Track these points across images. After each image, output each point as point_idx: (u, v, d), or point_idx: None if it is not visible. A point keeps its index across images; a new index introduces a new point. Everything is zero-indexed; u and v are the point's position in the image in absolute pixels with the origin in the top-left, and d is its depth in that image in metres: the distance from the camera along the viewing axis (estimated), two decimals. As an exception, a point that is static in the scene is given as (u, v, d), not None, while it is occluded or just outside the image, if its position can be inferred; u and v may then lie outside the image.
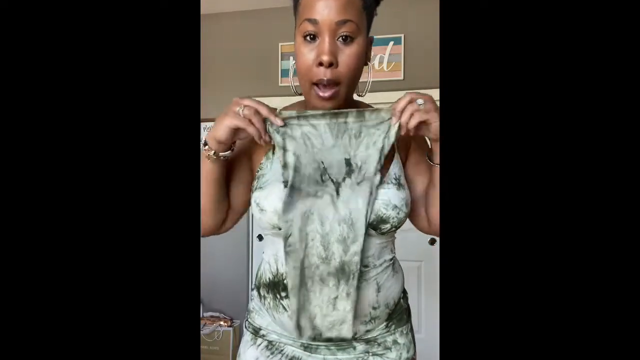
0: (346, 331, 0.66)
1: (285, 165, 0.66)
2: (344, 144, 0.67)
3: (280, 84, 2.56)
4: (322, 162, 0.66)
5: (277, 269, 0.69)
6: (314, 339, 0.68)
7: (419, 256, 2.41)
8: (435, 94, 2.38)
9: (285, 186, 0.65)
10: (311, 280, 0.65)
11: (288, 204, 0.63)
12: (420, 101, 0.63)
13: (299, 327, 0.66)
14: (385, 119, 0.67)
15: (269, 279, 0.71)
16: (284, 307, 0.68)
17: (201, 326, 2.45)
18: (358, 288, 0.65)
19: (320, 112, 0.66)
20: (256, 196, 0.69)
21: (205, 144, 0.67)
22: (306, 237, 0.64)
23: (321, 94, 0.65)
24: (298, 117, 0.66)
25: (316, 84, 0.65)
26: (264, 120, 0.66)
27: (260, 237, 2.65)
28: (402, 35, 2.36)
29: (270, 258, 0.72)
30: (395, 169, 0.71)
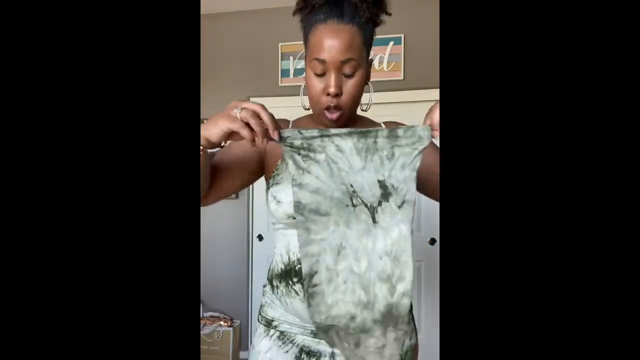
0: None
1: (301, 185, 0.57)
2: (374, 166, 0.58)
3: (280, 84, 2.56)
4: (352, 185, 0.57)
5: (289, 259, 0.72)
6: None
7: (419, 256, 2.41)
8: (435, 94, 2.38)
9: (297, 207, 0.58)
10: (344, 332, 0.55)
11: (307, 233, 0.55)
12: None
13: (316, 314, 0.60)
14: (423, 136, 0.59)
15: (281, 269, 0.74)
16: (295, 292, 0.70)
17: (201, 326, 2.45)
18: (407, 332, 0.61)
19: (345, 130, 0.60)
20: (273, 190, 0.74)
21: None
22: (337, 278, 0.55)
23: (329, 116, 0.74)
24: (321, 136, 0.58)
25: (325, 108, 0.74)
26: (269, 132, 0.62)
27: (260, 237, 2.65)
28: (402, 35, 2.36)
29: (282, 250, 0.75)
30: None
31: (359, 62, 0.72)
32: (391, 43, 2.37)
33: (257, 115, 0.64)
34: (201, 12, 2.60)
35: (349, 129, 0.61)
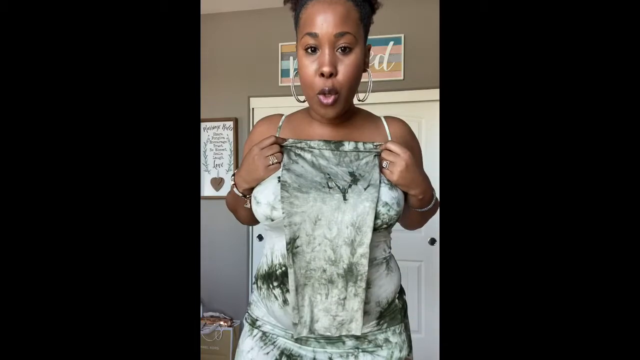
0: (355, 329, 0.69)
1: (289, 170, 0.71)
2: (345, 163, 0.74)
3: (280, 84, 2.56)
4: (328, 174, 0.72)
5: (272, 261, 0.74)
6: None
7: (419, 256, 2.41)
8: (435, 94, 2.38)
9: (283, 185, 0.69)
10: (318, 282, 0.68)
11: (291, 206, 0.68)
12: (393, 147, 0.71)
13: (301, 323, 0.69)
14: (378, 149, 0.75)
15: (265, 270, 0.75)
16: (275, 297, 0.72)
17: (201, 326, 2.45)
18: (366, 289, 0.68)
19: (322, 143, 0.74)
20: (255, 191, 0.74)
21: (234, 175, 0.78)
22: (314, 241, 0.68)
23: (324, 101, 0.69)
24: (309, 147, 0.75)
25: (318, 93, 0.69)
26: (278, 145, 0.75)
27: (260, 237, 2.65)
28: (402, 35, 2.36)
29: (267, 251, 0.76)
30: None
31: (355, 38, 0.67)
32: (391, 43, 2.37)
33: (272, 147, 0.73)
34: (201, 12, 2.60)
35: (325, 141, 0.75)
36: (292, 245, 0.67)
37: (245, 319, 0.83)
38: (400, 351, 0.76)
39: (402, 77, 2.38)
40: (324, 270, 0.68)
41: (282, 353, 0.75)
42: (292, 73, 2.52)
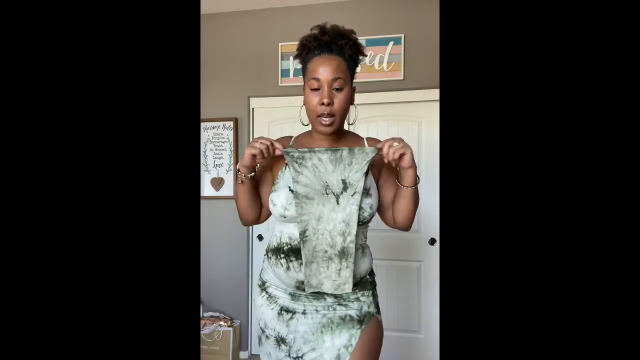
0: (347, 289, 1.04)
1: (298, 182, 1.02)
2: (340, 170, 1.02)
3: (280, 84, 2.56)
4: (326, 182, 1.02)
5: (280, 240, 1.09)
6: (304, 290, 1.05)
7: (419, 256, 2.41)
8: (435, 94, 2.38)
9: (292, 193, 1.01)
10: (321, 259, 1.03)
11: (301, 209, 1.01)
12: (395, 143, 0.98)
13: (308, 284, 1.04)
14: (369, 154, 1.02)
15: (274, 246, 1.10)
16: (280, 264, 1.07)
17: (201, 326, 2.45)
18: (354, 263, 1.04)
19: (324, 149, 1.03)
20: (272, 196, 1.07)
21: (238, 170, 1.08)
22: (318, 232, 1.02)
23: (323, 121, 1.03)
24: (310, 152, 1.02)
25: (319, 116, 1.03)
26: (283, 153, 1.04)
27: (260, 237, 2.65)
28: (402, 35, 2.36)
29: (277, 233, 1.11)
30: (367, 183, 1.06)
31: (345, 81, 1.03)
32: (391, 43, 2.37)
33: (269, 145, 1.03)
34: (201, 12, 2.60)
35: (325, 148, 1.03)
36: (302, 235, 1.02)
37: (257, 281, 1.18)
38: (369, 307, 1.09)
39: (402, 77, 2.38)
40: (326, 251, 1.02)
41: (281, 308, 1.09)
42: (292, 73, 2.52)
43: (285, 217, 1.03)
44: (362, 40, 2.70)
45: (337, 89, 1.02)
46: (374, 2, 2.37)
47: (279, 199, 1.04)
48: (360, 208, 1.01)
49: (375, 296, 1.14)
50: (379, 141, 1.09)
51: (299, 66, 1.11)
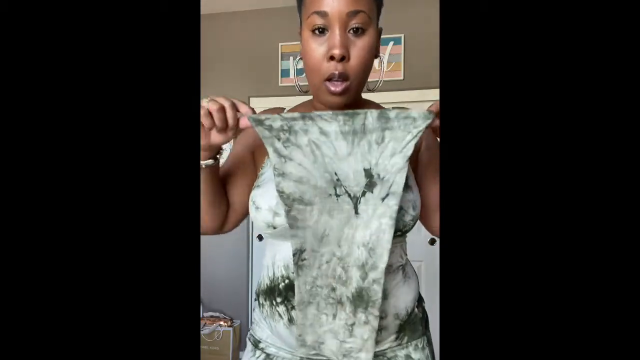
0: (364, 358, 0.61)
1: (284, 175, 0.56)
2: (362, 151, 0.55)
3: (280, 84, 2.56)
4: (336, 174, 0.56)
5: (274, 273, 0.66)
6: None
7: (419, 256, 2.41)
8: (435, 94, 2.38)
9: (281, 196, 0.57)
10: (324, 301, 0.59)
11: (294, 219, 0.57)
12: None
13: (301, 341, 0.62)
14: (419, 121, 0.54)
15: (267, 285, 0.68)
16: (279, 315, 0.65)
17: (201, 326, 2.45)
18: (379, 317, 0.59)
19: (330, 113, 0.54)
20: (253, 194, 0.66)
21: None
22: (321, 258, 0.58)
23: (333, 88, 0.60)
24: (303, 118, 0.54)
25: (327, 79, 0.60)
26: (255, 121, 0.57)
27: (260, 237, 2.65)
28: (402, 35, 2.36)
29: (269, 262, 0.69)
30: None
31: (369, 17, 0.59)
32: (391, 43, 2.37)
33: (222, 109, 0.57)
34: (201, 12, 2.60)
35: (334, 112, 0.55)
36: (298, 257, 0.58)
37: (248, 337, 0.76)
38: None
39: (402, 77, 2.38)
40: (333, 289, 0.58)
41: None
42: (292, 72, 2.52)
43: (275, 228, 0.62)
44: (362, 40, 2.66)
45: (355, 31, 0.58)
46: (374, 2, 2.37)
47: (264, 200, 0.63)
48: (399, 210, 0.57)
49: (430, 343, 0.73)
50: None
51: (300, 65, 0.64)
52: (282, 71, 2.56)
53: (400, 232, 0.63)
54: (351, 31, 0.59)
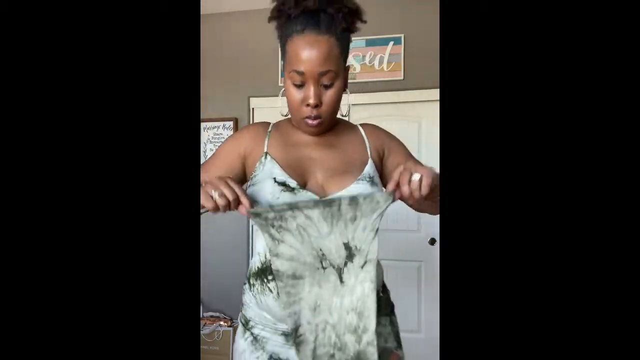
0: None
1: (278, 255, 0.67)
2: (340, 229, 0.67)
3: (280, 84, 2.56)
4: (321, 250, 0.67)
5: (265, 258, 0.76)
6: None
7: (419, 256, 2.41)
8: (435, 94, 2.38)
9: (279, 186, 0.70)
10: None
11: (287, 296, 0.66)
12: (415, 176, 0.63)
13: None
14: (381, 203, 0.66)
15: (258, 267, 0.78)
16: (269, 289, 0.75)
17: (201, 326, 2.45)
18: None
19: (312, 201, 0.68)
20: (250, 191, 0.77)
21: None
22: (316, 328, 0.66)
23: (310, 124, 0.78)
24: (292, 209, 0.66)
25: (305, 117, 0.78)
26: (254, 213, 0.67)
27: (260, 237, 2.66)
28: (402, 35, 2.36)
29: (260, 251, 0.79)
30: (369, 170, 0.81)
31: (337, 73, 0.75)
32: (391, 43, 2.37)
33: (228, 203, 0.66)
34: (201, 12, 2.60)
35: (315, 200, 0.70)
36: (295, 335, 0.67)
37: (240, 318, 0.87)
38: (386, 341, 0.79)
39: (402, 77, 2.38)
40: (332, 356, 0.66)
41: (270, 357, 0.78)
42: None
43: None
44: (361, 40, 2.68)
45: (326, 86, 0.75)
46: (374, 2, 2.37)
47: (261, 194, 0.74)
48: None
49: (395, 324, 0.85)
50: (377, 128, 0.88)
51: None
52: (282, 71, 2.56)
53: None
54: (322, 85, 0.75)
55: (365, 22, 0.78)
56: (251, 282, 0.80)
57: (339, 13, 0.73)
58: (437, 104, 2.34)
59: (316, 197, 0.74)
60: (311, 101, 0.75)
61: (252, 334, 0.81)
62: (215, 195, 0.65)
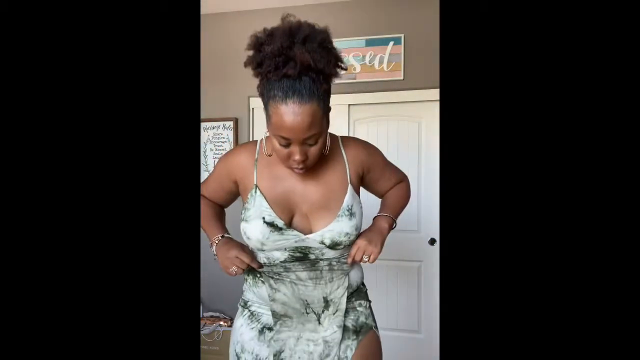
0: None
1: (275, 300, 0.93)
2: (321, 287, 0.94)
3: (280, 84, 2.56)
4: (306, 301, 0.94)
5: (259, 258, 0.96)
6: None
7: (419, 256, 2.41)
8: (435, 94, 2.38)
9: (267, 226, 0.88)
10: None
11: (279, 328, 0.93)
12: (365, 258, 0.93)
13: None
14: (345, 267, 0.96)
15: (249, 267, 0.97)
16: (261, 282, 0.95)
17: (201, 326, 2.45)
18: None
19: (301, 267, 0.92)
20: (243, 226, 0.93)
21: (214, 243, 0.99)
22: (294, 355, 0.94)
23: (296, 170, 0.85)
24: (286, 270, 0.93)
25: (290, 167, 0.85)
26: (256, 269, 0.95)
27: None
28: (402, 35, 2.36)
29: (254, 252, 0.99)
30: (348, 200, 0.91)
31: (320, 133, 0.79)
32: (391, 43, 2.37)
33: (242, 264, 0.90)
34: (202, 12, 2.60)
35: (304, 265, 0.93)
36: (277, 357, 0.92)
37: (239, 302, 1.05)
38: (366, 319, 0.99)
39: (402, 77, 2.38)
40: None
41: (263, 327, 0.97)
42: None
43: (264, 251, 0.92)
44: (361, 40, 2.67)
45: (311, 144, 0.80)
46: (374, 2, 2.37)
47: (253, 232, 0.89)
48: (346, 234, 0.89)
49: (371, 310, 1.04)
50: (357, 146, 0.97)
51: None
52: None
53: (346, 245, 0.93)
54: (307, 144, 0.80)
55: (345, 69, 0.81)
56: (245, 276, 1.01)
57: (320, 75, 0.74)
58: (437, 104, 2.34)
59: (302, 236, 0.89)
60: (297, 157, 0.80)
61: (249, 310, 1.00)
62: (233, 270, 0.90)
